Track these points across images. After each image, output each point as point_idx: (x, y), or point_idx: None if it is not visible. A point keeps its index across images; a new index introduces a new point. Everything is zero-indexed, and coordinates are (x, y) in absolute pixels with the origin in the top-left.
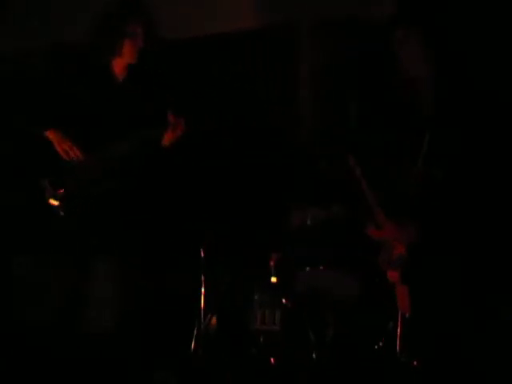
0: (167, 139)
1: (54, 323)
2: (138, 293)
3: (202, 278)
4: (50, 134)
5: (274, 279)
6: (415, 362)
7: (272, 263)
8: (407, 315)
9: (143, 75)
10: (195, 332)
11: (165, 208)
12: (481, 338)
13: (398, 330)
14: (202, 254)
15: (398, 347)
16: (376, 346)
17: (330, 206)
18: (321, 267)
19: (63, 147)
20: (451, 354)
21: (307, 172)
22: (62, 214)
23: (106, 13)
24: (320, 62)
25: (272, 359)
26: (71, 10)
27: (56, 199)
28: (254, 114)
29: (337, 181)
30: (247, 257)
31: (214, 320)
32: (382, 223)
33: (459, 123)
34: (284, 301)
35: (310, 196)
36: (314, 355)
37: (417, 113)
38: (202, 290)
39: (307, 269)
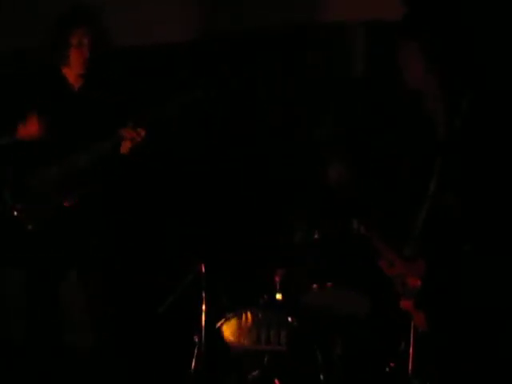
0: (125, 148)
1: (30, 337)
2: (134, 310)
3: (203, 294)
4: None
5: (279, 296)
6: None
7: (277, 279)
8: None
9: (99, 84)
10: (196, 351)
11: (162, 219)
12: (498, 361)
13: (411, 351)
14: (203, 270)
15: (409, 369)
16: (387, 368)
17: (340, 220)
18: (329, 284)
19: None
20: (466, 378)
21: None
22: (29, 227)
23: (55, 22)
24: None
25: (277, 381)
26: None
27: (17, 212)
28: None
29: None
30: (251, 273)
31: None
32: (394, 261)
33: (473, 146)
34: (290, 319)
35: (320, 208)
36: (321, 376)
37: (427, 133)
38: (203, 307)
39: (314, 286)
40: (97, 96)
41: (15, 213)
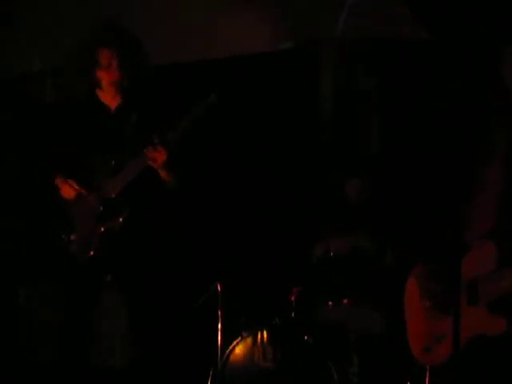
0: (153, 160)
1: (62, 358)
2: (151, 330)
3: (219, 313)
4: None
5: (294, 315)
6: None
7: (293, 298)
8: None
9: (136, 103)
10: (211, 371)
11: (180, 243)
12: None
13: (427, 372)
14: (219, 289)
15: None
16: None
17: (355, 236)
18: (344, 301)
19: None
20: None
21: (332, 200)
22: (108, 277)
23: (80, 44)
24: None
25: None
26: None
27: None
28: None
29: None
30: (267, 292)
31: None
32: None
33: None
34: (306, 337)
35: (334, 225)
36: None
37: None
38: (219, 325)
39: (330, 303)
40: (134, 116)
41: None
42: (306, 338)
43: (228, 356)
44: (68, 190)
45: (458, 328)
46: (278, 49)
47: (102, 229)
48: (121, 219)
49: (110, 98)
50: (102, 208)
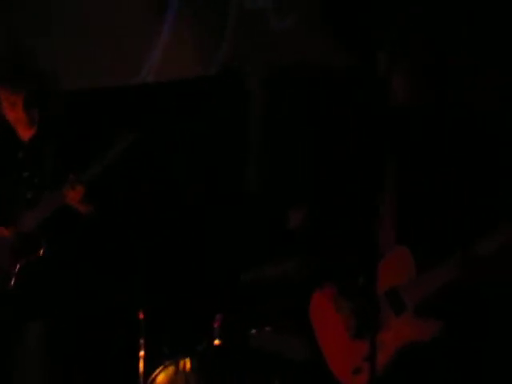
0: (71, 198)
1: None
2: (71, 360)
3: (141, 341)
4: None
5: (218, 342)
6: None
7: (216, 325)
8: None
9: (52, 134)
10: None
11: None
12: None
13: None
14: (142, 317)
15: None
16: None
17: (284, 262)
18: (268, 328)
19: None
20: None
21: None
22: None
23: None
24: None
25: None
26: None
27: None
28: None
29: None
30: (190, 319)
31: None
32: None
33: None
34: (228, 364)
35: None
36: None
37: None
38: (141, 353)
39: (253, 330)
40: (51, 148)
41: None
42: (228, 365)
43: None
44: None
45: (375, 349)
46: (206, 74)
47: (21, 262)
48: (41, 251)
49: (22, 130)
50: (19, 241)
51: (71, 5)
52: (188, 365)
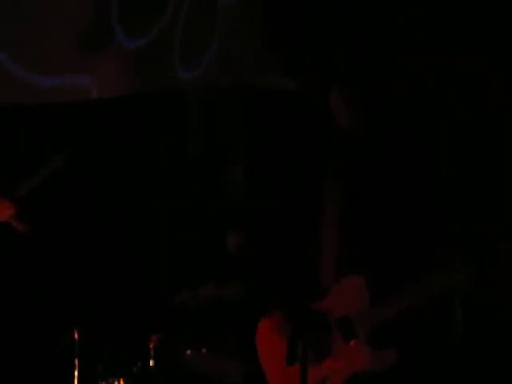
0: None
1: None
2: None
3: (76, 361)
4: None
5: (152, 363)
6: None
7: (151, 346)
8: None
9: None
10: None
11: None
12: None
13: None
14: (76, 337)
15: None
16: None
17: (225, 285)
18: (203, 350)
19: None
20: None
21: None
22: None
23: None
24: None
25: None
26: None
27: None
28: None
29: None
30: (126, 339)
31: None
32: None
33: None
34: None
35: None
36: None
37: None
38: (76, 373)
39: (188, 352)
40: None
41: None
42: None
43: None
44: None
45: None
46: (146, 91)
47: None
48: None
49: None
50: None
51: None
52: None
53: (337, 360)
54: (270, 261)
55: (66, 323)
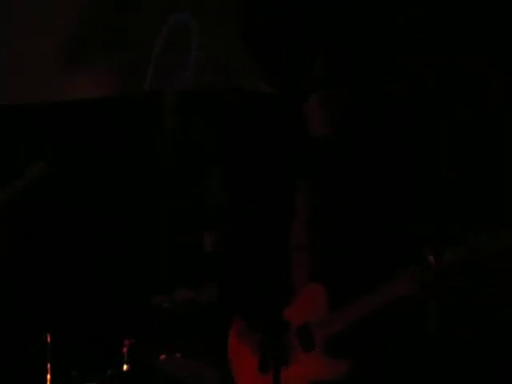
0: None
1: None
2: None
3: (48, 365)
4: None
5: (126, 367)
6: None
7: (125, 350)
8: None
9: None
10: None
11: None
12: None
13: None
14: (49, 340)
15: None
16: None
17: (202, 288)
18: (177, 355)
19: None
20: None
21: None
22: None
23: None
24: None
25: None
26: None
27: None
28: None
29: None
30: (99, 343)
31: None
32: None
33: None
34: None
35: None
36: None
37: None
38: (48, 376)
39: (163, 356)
40: None
41: None
42: None
43: None
44: None
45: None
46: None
47: None
48: None
49: None
50: None
51: None
52: None
53: (294, 368)
54: (245, 262)
55: (38, 326)
